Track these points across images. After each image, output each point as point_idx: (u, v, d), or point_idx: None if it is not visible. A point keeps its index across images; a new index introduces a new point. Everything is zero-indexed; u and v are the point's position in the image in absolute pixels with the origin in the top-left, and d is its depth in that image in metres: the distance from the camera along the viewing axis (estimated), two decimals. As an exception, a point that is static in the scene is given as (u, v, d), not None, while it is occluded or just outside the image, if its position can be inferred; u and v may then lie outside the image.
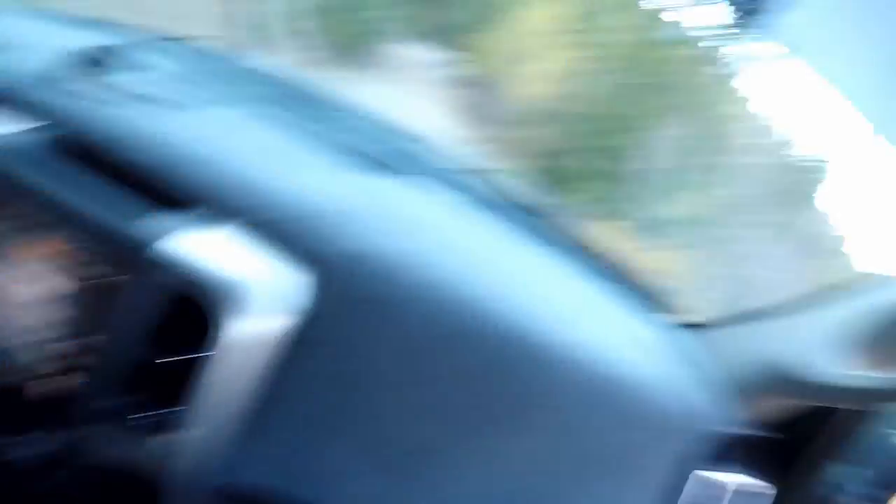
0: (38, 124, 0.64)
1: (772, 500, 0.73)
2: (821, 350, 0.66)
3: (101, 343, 0.56)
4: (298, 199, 0.66)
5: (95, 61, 0.72)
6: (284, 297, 0.57)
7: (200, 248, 0.56)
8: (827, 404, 0.71)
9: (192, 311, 0.55)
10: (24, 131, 0.63)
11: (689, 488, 0.69)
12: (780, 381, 0.70)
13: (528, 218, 0.94)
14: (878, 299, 0.67)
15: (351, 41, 7.25)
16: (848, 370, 0.63)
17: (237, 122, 0.79)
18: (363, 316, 0.61)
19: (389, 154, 0.86)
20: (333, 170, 0.77)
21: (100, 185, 0.59)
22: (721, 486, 0.70)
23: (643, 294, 0.94)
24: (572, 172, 7.16)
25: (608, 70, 7.46)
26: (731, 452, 0.74)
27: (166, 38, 1.01)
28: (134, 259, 0.55)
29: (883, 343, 0.63)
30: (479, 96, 9.39)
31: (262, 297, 0.56)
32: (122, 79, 0.71)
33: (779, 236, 6.75)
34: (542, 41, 7.94)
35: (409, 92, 7.89)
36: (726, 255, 6.52)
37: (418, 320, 0.61)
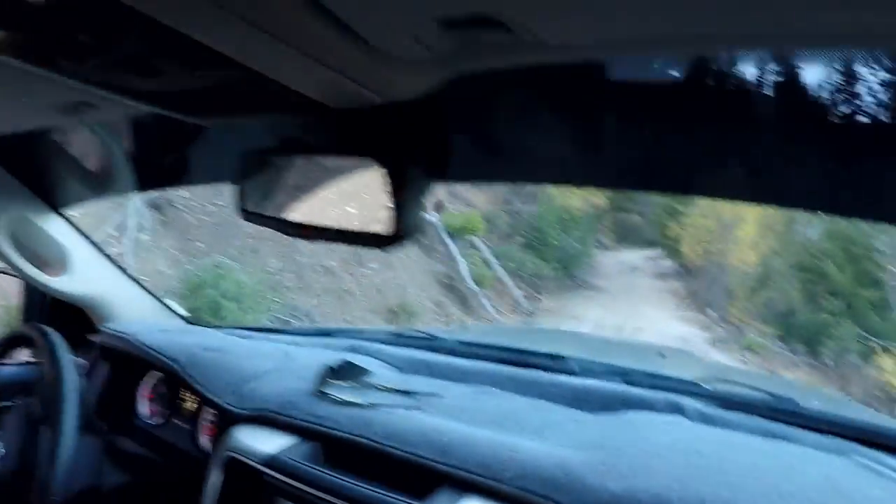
0: (304, 438, 0.73)
1: None
2: None
3: None
4: (559, 457, 0.67)
5: (344, 368, 0.79)
6: None
7: None
8: None
9: None
10: (293, 446, 0.72)
11: None
12: None
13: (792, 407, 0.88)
14: None
15: (557, 269, 7.35)
16: None
17: (490, 397, 0.84)
18: None
19: (641, 382, 0.90)
20: (595, 419, 0.79)
21: (372, 482, 0.68)
22: None
23: None
24: (816, 323, 6.54)
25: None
26: None
27: (401, 333, 1.15)
28: None
29: None
30: (697, 282, 8.69)
31: None
32: (375, 379, 0.80)
33: None
34: (733, 209, 7.70)
35: (631, 302, 7.56)
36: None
37: None
